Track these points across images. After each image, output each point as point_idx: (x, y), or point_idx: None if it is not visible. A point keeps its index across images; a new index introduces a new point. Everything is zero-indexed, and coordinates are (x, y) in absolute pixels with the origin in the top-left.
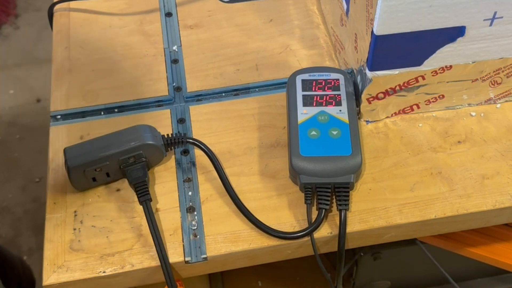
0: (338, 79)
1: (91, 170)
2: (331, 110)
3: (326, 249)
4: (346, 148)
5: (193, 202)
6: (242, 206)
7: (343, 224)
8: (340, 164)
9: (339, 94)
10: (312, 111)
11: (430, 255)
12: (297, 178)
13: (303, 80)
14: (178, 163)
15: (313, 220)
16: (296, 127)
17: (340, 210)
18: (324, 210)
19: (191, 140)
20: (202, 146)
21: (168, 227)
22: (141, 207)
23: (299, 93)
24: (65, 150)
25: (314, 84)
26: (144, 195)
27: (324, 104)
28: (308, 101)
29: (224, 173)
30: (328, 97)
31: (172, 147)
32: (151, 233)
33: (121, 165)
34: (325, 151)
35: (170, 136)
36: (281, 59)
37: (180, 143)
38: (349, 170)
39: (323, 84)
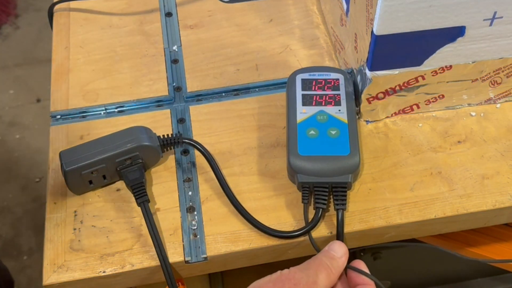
0: (338, 79)
1: (88, 173)
2: (330, 109)
3: None
4: (345, 148)
5: (193, 202)
6: (239, 205)
7: (340, 224)
8: (338, 164)
9: (339, 94)
10: (311, 110)
11: (429, 254)
12: (294, 177)
13: (303, 80)
14: (178, 163)
15: (310, 219)
16: (295, 126)
17: (337, 210)
18: (321, 209)
19: (187, 141)
20: (199, 146)
21: (168, 227)
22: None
23: (299, 93)
24: (60, 154)
25: (314, 84)
26: (142, 197)
27: (323, 104)
28: (307, 101)
29: (221, 173)
30: (327, 96)
31: (169, 148)
32: (150, 234)
33: (117, 167)
34: (323, 151)
35: (166, 136)
36: (281, 59)
37: (177, 143)
38: (347, 170)
39: (323, 83)
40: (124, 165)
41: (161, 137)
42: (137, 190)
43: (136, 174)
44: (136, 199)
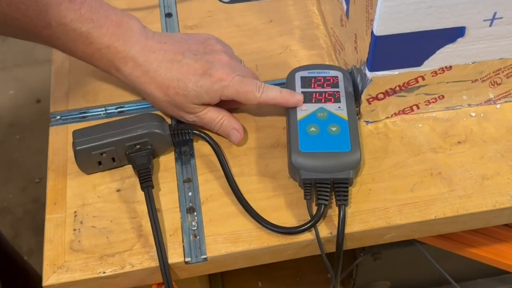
0: (337, 76)
1: (97, 154)
2: (330, 106)
3: (327, 249)
4: (345, 144)
5: (193, 203)
6: (244, 201)
7: (342, 220)
8: (340, 160)
9: (338, 91)
10: (311, 107)
11: (428, 255)
12: (296, 174)
13: (302, 77)
14: (178, 164)
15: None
16: (295, 123)
17: (339, 206)
18: (323, 205)
19: (197, 132)
20: (208, 139)
21: (168, 228)
22: (141, 207)
23: (298, 90)
24: (73, 133)
25: (313, 81)
26: (146, 181)
27: (323, 101)
28: (307, 98)
29: (228, 166)
30: (327, 94)
31: (179, 138)
32: (150, 221)
33: (126, 151)
34: (325, 147)
35: (177, 126)
36: (281, 60)
37: (187, 134)
38: (349, 166)
39: (322, 81)
40: (133, 150)
41: (172, 126)
42: (142, 175)
43: (144, 159)
44: (140, 183)
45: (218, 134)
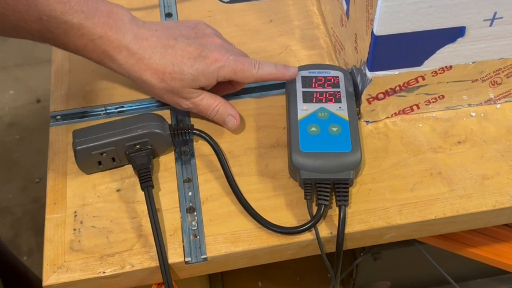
0: (337, 76)
1: (97, 154)
2: (331, 106)
3: (327, 249)
4: (346, 145)
5: (193, 203)
6: (244, 201)
7: (342, 220)
8: (340, 160)
9: (339, 92)
10: (312, 107)
11: (428, 256)
12: (296, 174)
13: (302, 77)
14: (178, 164)
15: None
16: (296, 123)
17: (339, 206)
18: (323, 205)
19: (197, 132)
20: (208, 138)
21: (168, 228)
22: (141, 207)
23: (299, 90)
24: (73, 132)
25: (313, 81)
26: (146, 181)
27: (324, 101)
28: (308, 98)
29: (228, 166)
30: (327, 94)
31: (179, 137)
32: (150, 221)
33: (126, 151)
34: (325, 147)
35: (177, 126)
36: (281, 60)
37: (187, 133)
38: (349, 166)
39: (323, 81)
40: (133, 150)
41: (172, 126)
42: (142, 175)
43: (144, 159)
44: (140, 183)
45: (214, 122)
